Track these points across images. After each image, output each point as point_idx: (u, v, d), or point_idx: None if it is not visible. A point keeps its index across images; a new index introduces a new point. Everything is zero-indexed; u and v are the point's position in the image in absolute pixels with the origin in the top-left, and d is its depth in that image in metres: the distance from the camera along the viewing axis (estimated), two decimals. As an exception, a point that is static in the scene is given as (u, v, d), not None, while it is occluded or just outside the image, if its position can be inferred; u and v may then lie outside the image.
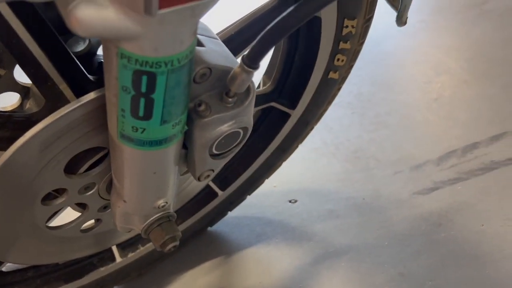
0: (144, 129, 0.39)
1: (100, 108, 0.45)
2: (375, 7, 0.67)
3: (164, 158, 0.44)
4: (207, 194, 0.90)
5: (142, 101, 0.36)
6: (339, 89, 0.82)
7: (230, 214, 0.98)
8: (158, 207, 0.52)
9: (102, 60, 0.57)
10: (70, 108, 0.43)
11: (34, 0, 0.31)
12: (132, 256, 0.86)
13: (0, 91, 0.56)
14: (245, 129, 0.49)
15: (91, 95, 0.43)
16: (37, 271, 0.76)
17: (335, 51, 0.70)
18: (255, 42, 0.40)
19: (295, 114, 0.82)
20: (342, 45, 0.70)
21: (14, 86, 0.57)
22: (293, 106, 0.80)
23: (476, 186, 0.88)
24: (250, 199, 0.96)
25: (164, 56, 0.33)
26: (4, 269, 0.71)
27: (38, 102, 0.56)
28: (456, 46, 1.36)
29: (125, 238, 0.78)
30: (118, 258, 0.84)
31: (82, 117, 0.44)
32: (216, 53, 0.44)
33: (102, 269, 0.82)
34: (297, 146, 0.91)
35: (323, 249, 0.86)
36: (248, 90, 0.46)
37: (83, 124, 0.45)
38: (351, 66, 0.77)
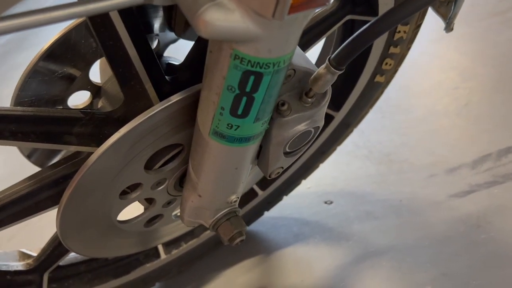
0: (238, 127, 0.41)
1: (183, 108, 0.48)
2: (426, 14, 0.70)
3: (247, 155, 0.46)
4: (248, 194, 0.92)
5: (244, 99, 0.38)
6: (382, 92, 0.84)
7: (267, 214, 1.00)
8: (230, 202, 0.54)
9: (170, 62, 0.60)
10: (163, 106, 0.45)
11: (158, 2, 0.33)
12: (175, 253, 0.88)
13: (75, 90, 0.59)
14: (317, 128, 0.51)
15: (181, 94, 0.46)
16: (89, 266, 0.79)
17: (384, 55, 0.73)
18: (343, 44, 0.42)
19: (338, 117, 0.84)
20: (392, 50, 0.72)
21: (87, 85, 0.60)
22: (337, 108, 0.82)
23: (513, 189, 0.90)
24: (285, 200, 0.98)
25: (274, 57, 0.35)
26: (61, 263, 0.73)
27: (111, 101, 0.58)
28: (481, 53, 1.38)
29: (174, 236, 0.80)
30: (163, 255, 0.87)
31: (170, 115, 0.47)
32: (298, 56, 0.46)
33: (147, 265, 0.85)
34: (335, 148, 0.93)
35: (363, 249, 0.87)
36: (326, 91, 0.48)
37: (168, 122, 0.48)
38: (396, 70, 0.79)
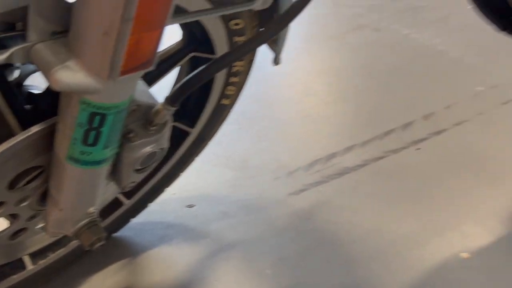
0: (90, 153, 0.51)
1: (42, 136, 0.56)
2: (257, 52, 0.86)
3: (100, 174, 0.57)
4: (113, 203, 1.00)
5: (92, 133, 0.49)
6: (229, 111, 0.99)
7: (134, 220, 1.09)
8: (89, 213, 0.63)
9: (31, 91, 0.67)
10: (24, 136, 0.53)
11: (18, 61, 0.42)
12: (43, 263, 0.92)
13: None
14: (162, 149, 0.63)
15: (40, 126, 0.54)
16: (-49, 282, 0.80)
17: (226, 84, 0.88)
18: (177, 86, 0.55)
19: (194, 132, 0.97)
20: (232, 79, 0.87)
21: None
22: (192, 125, 0.96)
23: (334, 187, 1.13)
24: (151, 206, 1.09)
25: (115, 102, 0.47)
26: None
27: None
28: (321, 72, 1.65)
29: (38, 247, 0.85)
30: (29, 266, 0.90)
31: (31, 142, 0.55)
32: (142, 92, 0.58)
33: (14, 276, 0.88)
34: (194, 160, 1.07)
35: (218, 245, 1.02)
36: (166, 120, 0.60)
37: (29, 148, 0.55)
38: (239, 94, 0.95)
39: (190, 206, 1.15)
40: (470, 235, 1.01)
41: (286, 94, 1.54)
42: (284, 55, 1.68)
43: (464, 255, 0.97)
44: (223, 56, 0.59)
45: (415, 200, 1.10)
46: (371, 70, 1.62)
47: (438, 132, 1.30)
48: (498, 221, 1.05)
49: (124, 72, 0.42)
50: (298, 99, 1.50)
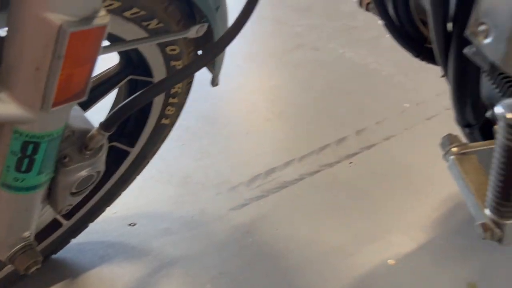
0: (24, 179, 0.52)
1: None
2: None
3: (35, 199, 0.57)
4: (52, 224, 0.99)
5: (26, 160, 0.50)
6: (170, 130, 1.02)
7: (74, 241, 1.08)
8: (24, 238, 0.63)
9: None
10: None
11: None
12: (-24, 289, 0.89)
13: None
14: (98, 172, 0.65)
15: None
16: None
17: (166, 104, 0.91)
18: (111, 113, 0.57)
19: (134, 151, 0.99)
20: (171, 100, 0.90)
21: None
22: (132, 145, 0.97)
23: (273, 200, 1.18)
24: (91, 226, 1.08)
25: (47, 131, 0.48)
26: None
27: None
28: (263, 89, 1.71)
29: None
30: (-38, 293, 0.87)
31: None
32: (77, 118, 0.60)
33: None
34: (135, 178, 1.08)
35: (160, 261, 1.04)
36: (101, 144, 0.62)
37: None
38: (179, 114, 0.98)
39: (132, 224, 1.15)
40: (396, 244, 1.09)
41: (229, 111, 1.58)
42: (227, 73, 1.74)
43: (391, 262, 1.06)
44: (161, 82, 0.62)
45: (347, 211, 1.18)
46: (309, 87, 1.70)
47: (369, 147, 1.39)
48: (422, 230, 1.14)
49: (56, 104, 0.44)
50: (241, 116, 1.54)
